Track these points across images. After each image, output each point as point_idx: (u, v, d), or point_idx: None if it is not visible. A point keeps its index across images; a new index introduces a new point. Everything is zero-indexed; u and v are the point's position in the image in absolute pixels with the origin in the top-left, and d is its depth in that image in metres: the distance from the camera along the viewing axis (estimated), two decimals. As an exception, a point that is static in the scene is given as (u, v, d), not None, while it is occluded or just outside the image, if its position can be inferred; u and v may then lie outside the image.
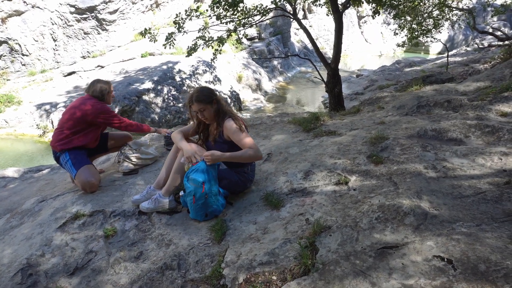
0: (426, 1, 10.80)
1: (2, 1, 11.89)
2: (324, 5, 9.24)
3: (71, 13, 13.36)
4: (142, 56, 14.42)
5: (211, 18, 7.22)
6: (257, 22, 7.96)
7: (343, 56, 22.23)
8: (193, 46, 7.60)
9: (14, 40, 12.35)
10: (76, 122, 3.19)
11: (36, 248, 2.44)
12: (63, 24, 13.38)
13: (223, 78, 13.93)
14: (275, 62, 18.56)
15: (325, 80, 7.38)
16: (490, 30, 16.19)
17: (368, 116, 4.70)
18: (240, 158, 2.59)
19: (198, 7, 7.50)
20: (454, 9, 11.90)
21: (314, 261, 1.82)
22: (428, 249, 1.70)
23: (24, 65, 12.91)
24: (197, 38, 7.57)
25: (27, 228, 2.77)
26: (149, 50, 14.56)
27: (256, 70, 16.39)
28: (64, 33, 13.52)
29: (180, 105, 11.70)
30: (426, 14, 11.38)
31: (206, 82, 13.11)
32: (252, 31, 18.41)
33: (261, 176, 3.05)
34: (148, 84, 11.56)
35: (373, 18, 8.07)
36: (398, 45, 13.03)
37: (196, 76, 13.10)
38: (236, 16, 7.23)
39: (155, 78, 11.90)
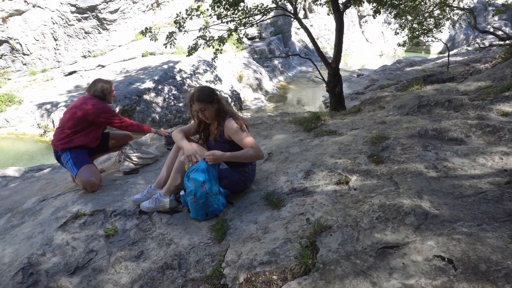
0: (427, 1, 10.78)
1: (3, 1, 11.90)
2: (325, 4, 9.24)
3: (72, 12, 13.37)
4: (143, 56, 14.42)
5: (211, 17, 7.23)
6: (257, 21, 7.96)
7: (344, 56, 22.19)
8: (193, 45, 7.60)
9: (15, 40, 12.36)
10: (77, 121, 3.20)
11: (37, 247, 2.44)
12: (64, 23, 13.39)
13: (223, 77, 13.93)
14: (276, 62, 18.55)
15: (326, 79, 7.38)
16: (491, 30, 16.14)
17: (369, 116, 4.69)
18: (241, 157, 2.59)
19: (198, 7, 7.50)
20: (455, 8, 11.88)
21: (314, 261, 1.82)
22: (429, 249, 1.69)
23: (25, 64, 12.93)
24: (198, 37, 7.57)
25: (28, 227, 2.77)
26: (149, 50, 14.56)
27: (257, 69, 16.38)
28: (65, 33, 13.53)
29: (181, 104, 11.70)
30: (427, 14, 11.36)
31: (206, 81, 13.11)
32: (252, 31, 18.41)
33: (261, 176, 3.05)
34: (148, 84, 11.56)
35: (374, 17, 8.07)
36: (399, 45, 13.02)
37: (196, 75, 13.10)
38: (236, 16, 7.23)
39: (156, 78, 11.90)
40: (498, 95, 4.12)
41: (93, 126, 3.29)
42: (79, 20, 13.62)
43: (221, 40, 7.43)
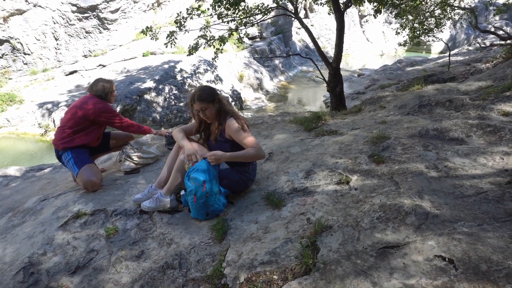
0: (428, 0, 10.76)
1: (4, 0, 11.91)
2: (325, 4, 9.23)
3: (73, 12, 13.38)
4: (143, 55, 14.43)
5: (212, 17, 7.23)
6: (258, 21, 7.96)
7: (345, 55, 22.17)
8: (194, 45, 7.61)
9: (16, 39, 12.37)
10: (77, 121, 3.20)
11: (38, 247, 2.45)
12: (65, 23, 13.40)
13: (224, 77, 13.93)
14: (277, 62, 18.55)
15: (327, 79, 7.37)
16: (492, 29, 16.13)
17: (370, 116, 4.69)
18: (243, 157, 2.59)
19: (199, 6, 7.50)
20: (456, 8, 11.86)
21: (315, 261, 1.82)
22: (430, 249, 1.69)
23: (26, 64, 12.94)
24: (198, 37, 7.58)
25: (29, 226, 2.78)
26: (150, 49, 14.57)
27: (258, 69, 16.38)
28: (65, 32, 13.55)
29: (181, 104, 11.71)
30: (428, 13, 11.34)
31: (207, 81, 13.11)
32: (253, 30, 18.41)
33: (262, 176, 3.05)
34: (149, 83, 11.57)
35: (375, 17, 8.06)
36: (400, 44, 13.01)
37: (197, 75, 13.10)
38: (237, 15, 7.23)
39: (157, 77, 11.91)
40: (499, 95, 4.12)
41: (94, 125, 3.29)
42: (80, 20, 13.63)
43: (222, 39, 7.43)
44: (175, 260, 2.19)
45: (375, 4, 7.24)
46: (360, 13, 29.26)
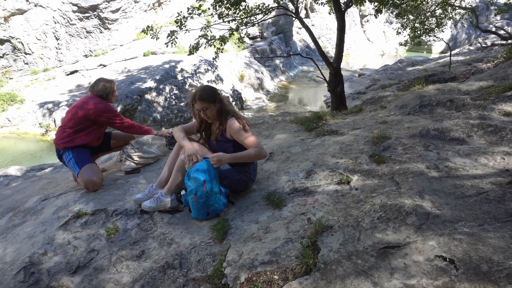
0: (428, 0, 10.75)
1: (5, 0, 11.92)
2: (326, 3, 9.23)
3: (74, 11, 13.39)
4: (144, 55, 14.43)
5: (213, 16, 7.23)
6: (259, 21, 7.96)
7: (345, 55, 22.16)
8: (195, 45, 7.61)
9: (17, 39, 12.39)
10: (78, 120, 3.21)
11: (38, 247, 2.45)
12: (66, 22, 13.41)
13: (225, 77, 13.93)
14: (277, 61, 18.55)
15: (327, 79, 7.37)
16: (493, 29, 16.11)
17: (370, 116, 4.69)
18: (245, 157, 2.59)
19: (200, 6, 7.49)
20: (457, 8, 11.84)
21: (315, 261, 1.82)
22: (430, 249, 1.69)
23: (26, 63, 12.95)
24: (199, 37, 7.58)
25: (30, 226, 2.78)
26: (151, 49, 14.58)
27: (258, 69, 16.38)
28: (66, 32, 13.56)
29: (182, 104, 11.72)
30: (429, 13, 11.33)
31: (208, 81, 13.12)
32: (254, 30, 18.41)
33: (263, 176, 3.05)
34: (150, 83, 11.58)
35: (376, 17, 8.06)
36: (401, 44, 13.00)
37: (198, 75, 13.11)
38: (238, 15, 7.23)
39: (157, 77, 11.91)
40: (500, 95, 4.11)
41: (95, 125, 3.30)
42: (80, 20, 13.64)
43: (223, 39, 7.43)
44: (175, 260, 2.19)
45: (376, 3, 7.24)
46: (361, 13, 29.25)
